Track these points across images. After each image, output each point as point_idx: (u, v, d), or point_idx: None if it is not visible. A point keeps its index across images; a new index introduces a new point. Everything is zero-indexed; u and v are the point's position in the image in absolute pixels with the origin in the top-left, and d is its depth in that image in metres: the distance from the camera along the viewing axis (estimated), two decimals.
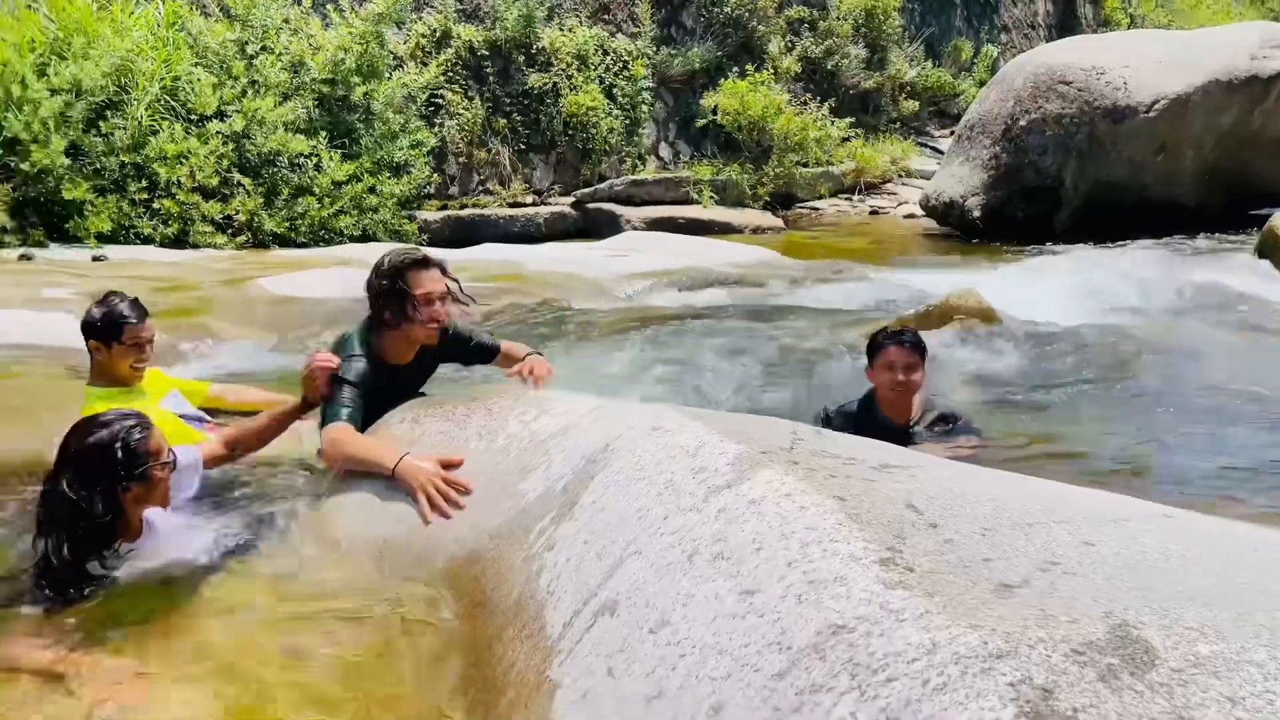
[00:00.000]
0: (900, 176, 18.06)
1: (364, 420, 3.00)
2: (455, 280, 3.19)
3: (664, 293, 8.33)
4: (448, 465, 2.67)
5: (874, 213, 16.44)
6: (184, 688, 2.06)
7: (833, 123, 17.07)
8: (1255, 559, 1.63)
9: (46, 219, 9.93)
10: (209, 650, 2.22)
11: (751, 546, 1.66)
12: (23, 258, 8.82)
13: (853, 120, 17.67)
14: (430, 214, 13.19)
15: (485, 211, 13.89)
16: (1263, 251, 8.62)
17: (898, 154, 18.43)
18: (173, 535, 2.69)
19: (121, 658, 2.17)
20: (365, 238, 11.55)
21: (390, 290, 3.04)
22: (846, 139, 17.42)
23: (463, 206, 14.14)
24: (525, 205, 14.56)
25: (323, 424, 2.95)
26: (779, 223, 14.95)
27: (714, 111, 16.30)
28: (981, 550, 1.50)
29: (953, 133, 14.94)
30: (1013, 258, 10.42)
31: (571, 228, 14.11)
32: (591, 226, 13.86)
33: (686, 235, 11.78)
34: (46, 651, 2.19)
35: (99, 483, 2.45)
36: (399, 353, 3.17)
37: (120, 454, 2.47)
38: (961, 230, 12.61)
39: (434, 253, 3.23)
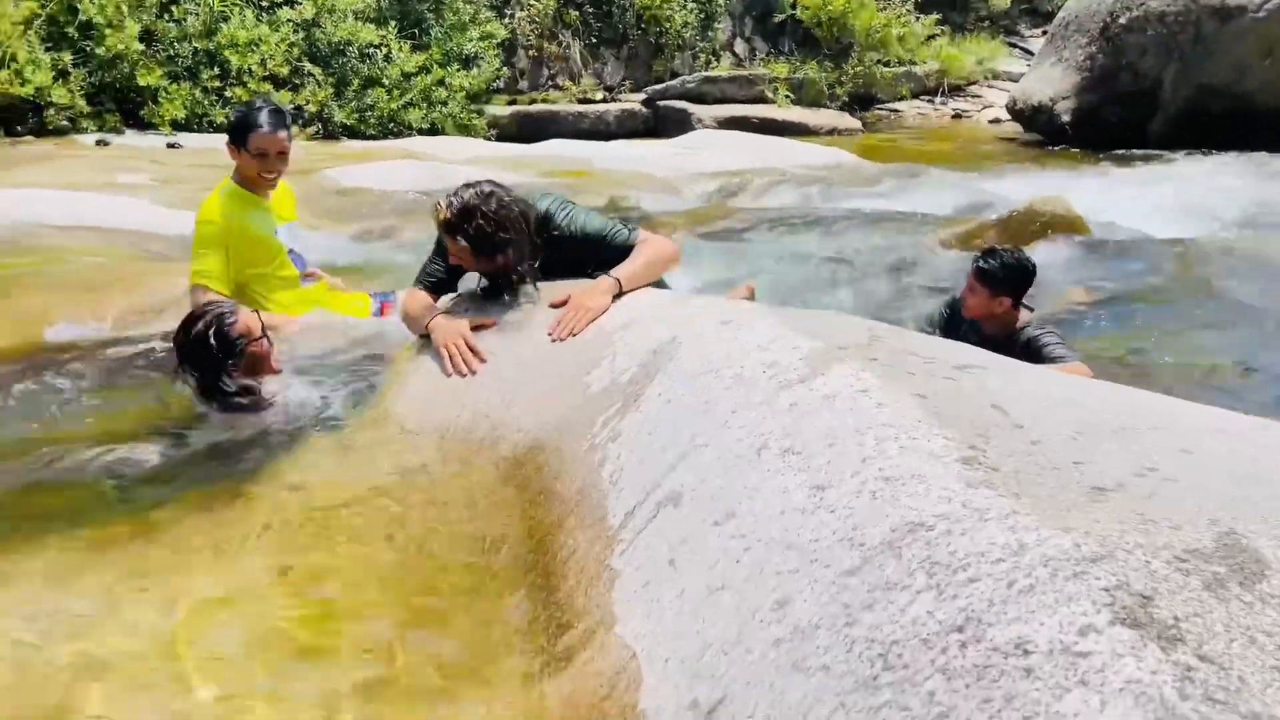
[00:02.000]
0: (986, 79, 17.24)
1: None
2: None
3: (734, 193, 8.13)
4: (478, 327, 2.78)
5: (957, 116, 15.78)
6: (248, 557, 2.10)
7: (917, 19, 16.28)
8: None
9: (122, 105, 10.03)
10: (271, 520, 2.25)
11: (824, 442, 1.60)
12: (99, 143, 8.95)
13: (939, 17, 16.81)
14: (499, 109, 13.01)
15: (555, 107, 13.65)
16: None
17: (985, 54, 17.55)
18: (276, 402, 2.95)
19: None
20: (434, 131, 11.45)
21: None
22: (931, 37, 16.62)
23: (532, 102, 13.91)
24: (595, 102, 14.27)
25: None
26: (856, 125, 14.45)
27: (793, 5, 15.65)
28: (1071, 453, 1.41)
29: (1045, 32, 14.15)
30: (1106, 165, 9.92)
31: (641, 126, 13.83)
32: (662, 125, 13.57)
33: (759, 135, 11.45)
34: None
35: (207, 367, 2.84)
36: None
37: (216, 341, 2.83)
38: (1049, 136, 12.05)
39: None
